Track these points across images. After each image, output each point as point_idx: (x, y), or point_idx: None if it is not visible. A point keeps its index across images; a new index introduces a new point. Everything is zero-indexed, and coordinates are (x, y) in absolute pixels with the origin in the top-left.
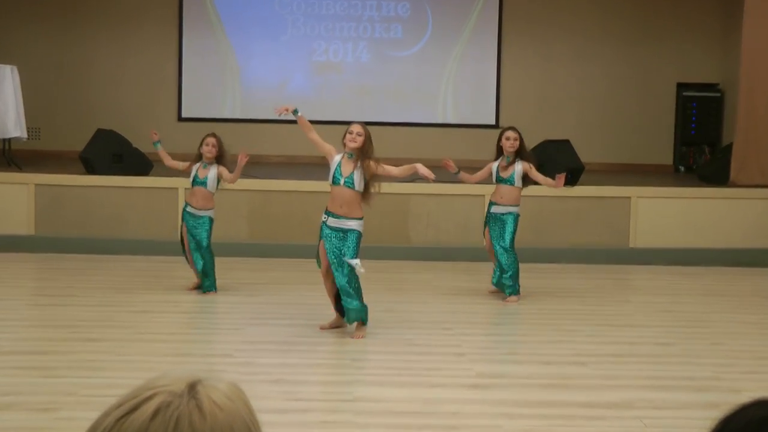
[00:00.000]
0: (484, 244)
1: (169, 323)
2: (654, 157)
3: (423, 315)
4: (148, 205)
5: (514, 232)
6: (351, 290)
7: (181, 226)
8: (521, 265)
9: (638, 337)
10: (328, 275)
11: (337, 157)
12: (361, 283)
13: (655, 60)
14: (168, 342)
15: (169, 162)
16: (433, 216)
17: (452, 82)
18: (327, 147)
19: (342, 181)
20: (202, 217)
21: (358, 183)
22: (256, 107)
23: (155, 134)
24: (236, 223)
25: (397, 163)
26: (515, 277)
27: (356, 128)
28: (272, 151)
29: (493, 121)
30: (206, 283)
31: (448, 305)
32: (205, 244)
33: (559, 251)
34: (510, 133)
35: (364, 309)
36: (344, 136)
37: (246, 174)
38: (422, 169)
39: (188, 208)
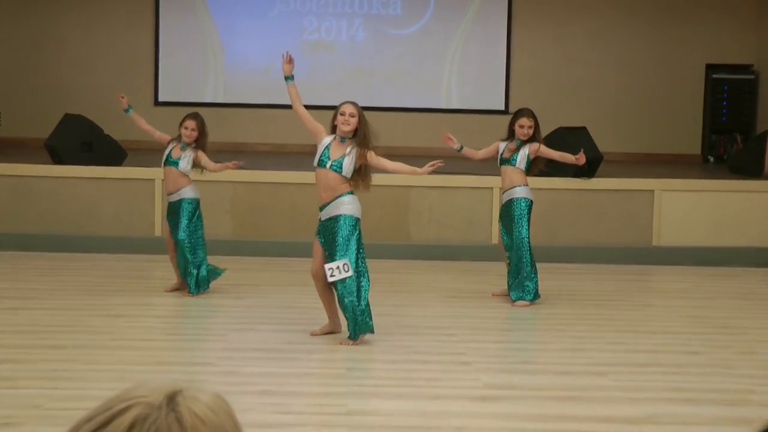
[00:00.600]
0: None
1: (146, 329)
2: (680, 147)
3: (424, 320)
4: (122, 198)
5: (527, 220)
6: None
7: (163, 224)
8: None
9: (662, 344)
10: (319, 275)
11: (327, 139)
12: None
13: (681, 39)
14: (144, 349)
15: (145, 126)
16: (436, 210)
17: (457, 63)
18: (316, 125)
19: (328, 164)
20: (177, 202)
21: (347, 168)
22: (240, 91)
23: (122, 98)
24: (219, 217)
25: (395, 153)
26: (531, 278)
27: (349, 108)
28: (258, 139)
29: (502, 106)
30: (190, 284)
31: (452, 309)
32: (183, 235)
33: (574, 250)
34: (525, 121)
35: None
36: (334, 117)
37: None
38: (426, 169)
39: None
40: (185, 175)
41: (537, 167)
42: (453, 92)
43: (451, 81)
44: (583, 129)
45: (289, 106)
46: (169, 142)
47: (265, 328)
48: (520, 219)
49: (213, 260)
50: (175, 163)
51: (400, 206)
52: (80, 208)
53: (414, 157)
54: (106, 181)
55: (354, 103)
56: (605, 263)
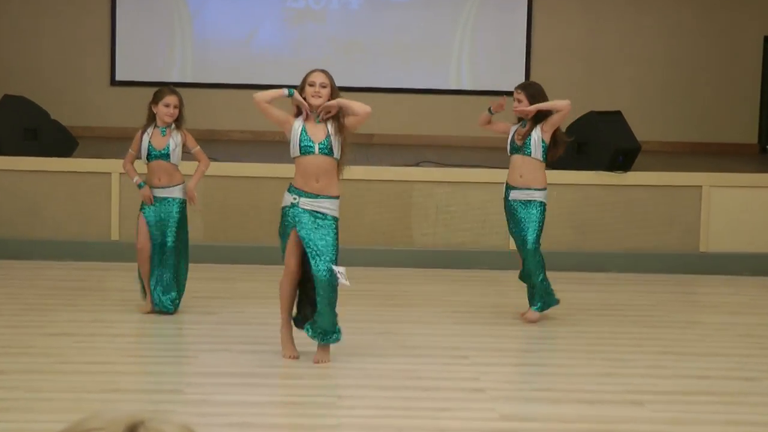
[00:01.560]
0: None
1: (102, 349)
2: (732, 135)
3: (429, 339)
4: (71, 196)
5: (540, 227)
6: (334, 294)
7: (137, 224)
8: (556, 275)
9: (711, 369)
10: (296, 275)
11: (297, 124)
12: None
13: (734, 9)
14: (98, 374)
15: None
16: (444, 210)
17: (468, 36)
18: (282, 113)
19: (316, 148)
20: (169, 199)
21: (337, 148)
22: (212, 68)
23: (134, 176)
24: (190, 219)
25: (396, 141)
26: (544, 286)
27: (319, 77)
28: (234, 125)
29: None
30: (172, 296)
31: (463, 326)
32: (171, 241)
33: (606, 256)
34: (515, 93)
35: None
36: (301, 88)
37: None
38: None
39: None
40: (176, 166)
41: (557, 151)
42: (464, 70)
43: (461, 57)
44: (618, 114)
45: (271, 86)
46: (141, 133)
47: (240, 348)
48: (532, 223)
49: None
50: (165, 156)
51: (401, 205)
52: (21, 207)
53: (418, 146)
54: (52, 175)
55: (325, 72)
56: (643, 272)
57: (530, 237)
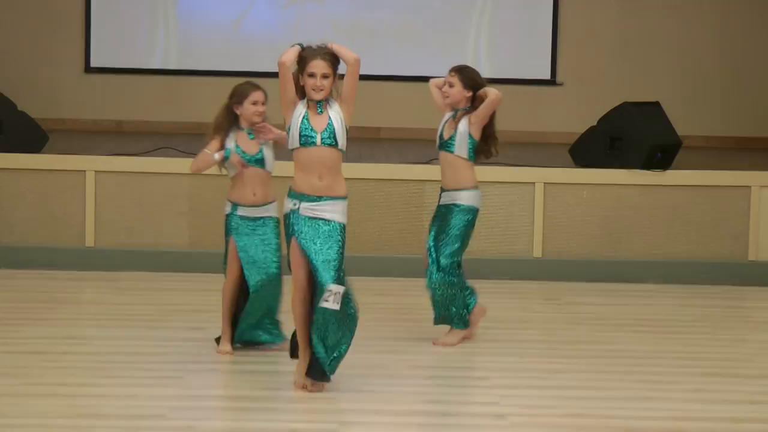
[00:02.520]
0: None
1: (75, 369)
2: None
3: (444, 358)
4: (41, 196)
5: (461, 239)
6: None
7: (227, 249)
8: (586, 286)
9: (763, 393)
10: (305, 290)
11: (300, 109)
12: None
13: None
14: (73, 397)
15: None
16: None
17: (488, 17)
18: (293, 88)
19: (318, 139)
20: (265, 219)
21: (342, 137)
22: (199, 54)
23: (214, 152)
24: (172, 222)
25: (406, 136)
26: (455, 303)
27: (320, 67)
28: None
29: (547, 74)
30: (275, 332)
31: (482, 344)
32: (276, 267)
33: (643, 265)
34: (447, 76)
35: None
36: (299, 77)
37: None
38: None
39: (239, 210)
40: (270, 175)
41: (487, 150)
42: (482, 56)
43: (479, 41)
44: (656, 105)
45: (264, 74)
46: (221, 137)
47: (230, 368)
48: (456, 235)
49: (164, 278)
50: (260, 161)
51: (411, 207)
52: None
53: (431, 141)
54: (19, 174)
55: (327, 56)
56: (685, 283)
57: (445, 250)
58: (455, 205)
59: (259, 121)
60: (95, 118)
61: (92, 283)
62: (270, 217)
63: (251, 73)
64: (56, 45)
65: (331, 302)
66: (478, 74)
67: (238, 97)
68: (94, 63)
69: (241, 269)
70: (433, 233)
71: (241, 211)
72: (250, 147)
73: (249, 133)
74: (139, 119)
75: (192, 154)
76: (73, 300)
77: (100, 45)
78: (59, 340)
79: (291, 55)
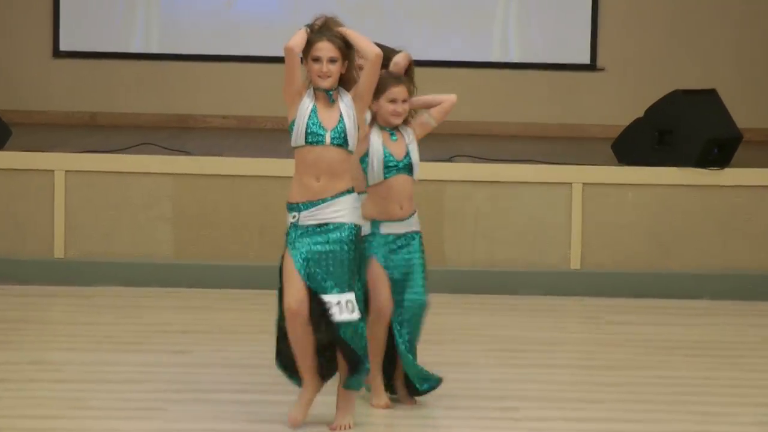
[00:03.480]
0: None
1: (43, 399)
2: None
3: (468, 386)
4: (4, 200)
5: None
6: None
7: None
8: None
9: None
10: (302, 312)
11: (307, 101)
12: None
13: None
14: (41, 431)
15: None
16: (486, 218)
17: None
18: (300, 76)
19: (327, 137)
20: (412, 235)
21: (353, 136)
22: (184, 35)
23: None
24: (154, 230)
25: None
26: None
27: (326, 50)
28: (213, 109)
29: (586, 58)
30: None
31: (511, 369)
32: (422, 292)
33: (699, 279)
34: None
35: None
36: (304, 61)
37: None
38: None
39: (383, 228)
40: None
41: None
42: (511, 38)
43: (507, 20)
44: (712, 93)
45: (259, 59)
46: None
47: (220, 398)
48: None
49: (144, 294)
50: (408, 168)
51: (430, 212)
52: None
53: (452, 136)
54: None
55: (333, 38)
56: (746, 299)
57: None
58: (415, 233)
59: (398, 123)
60: (65, 109)
61: (62, 299)
62: (416, 232)
63: (244, 58)
64: (20, 25)
65: (345, 314)
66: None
67: (376, 90)
68: (63, 46)
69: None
70: None
71: (385, 228)
72: (397, 149)
73: (392, 134)
74: (116, 111)
75: (178, 151)
76: (40, 319)
77: (71, 25)
78: (24, 366)
79: (299, 39)
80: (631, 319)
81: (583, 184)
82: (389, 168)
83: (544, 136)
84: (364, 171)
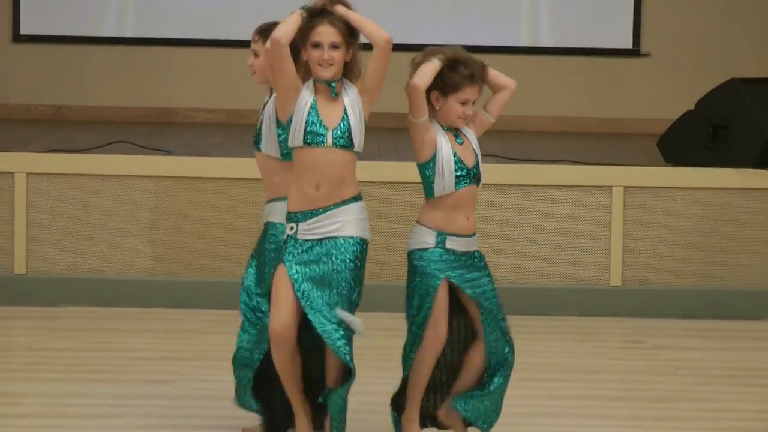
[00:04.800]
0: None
1: None
2: None
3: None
4: None
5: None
6: (348, 354)
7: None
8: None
9: None
10: (288, 335)
11: (306, 95)
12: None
13: None
14: None
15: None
16: (511, 227)
17: None
18: (293, 69)
19: (329, 138)
20: (475, 253)
21: (359, 135)
22: (164, 17)
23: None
24: (130, 241)
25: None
26: None
27: (328, 34)
28: (197, 101)
29: (629, 43)
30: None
31: (544, 401)
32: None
33: (759, 297)
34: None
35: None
36: (302, 50)
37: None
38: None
39: (449, 242)
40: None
41: None
42: (542, 20)
43: (539, 1)
44: None
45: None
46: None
47: None
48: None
49: (120, 315)
50: (476, 178)
51: None
52: None
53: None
54: None
55: (335, 21)
56: None
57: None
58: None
59: (462, 127)
60: (27, 102)
61: (24, 322)
62: (479, 252)
63: (233, 42)
64: None
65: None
66: None
67: (445, 85)
68: (24, 29)
69: None
70: None
71: (451, 243)
72: (466, 154)
73: (457, 136)
74: (85, 104)
75: (157, 150)
76: (0, 345)
77: (33, 5)
78: None
79: (289, 28)
80: (680, 344)
81: (625, 187)
82: (461, 178)
83: (579, 132)
84: (430, 180)
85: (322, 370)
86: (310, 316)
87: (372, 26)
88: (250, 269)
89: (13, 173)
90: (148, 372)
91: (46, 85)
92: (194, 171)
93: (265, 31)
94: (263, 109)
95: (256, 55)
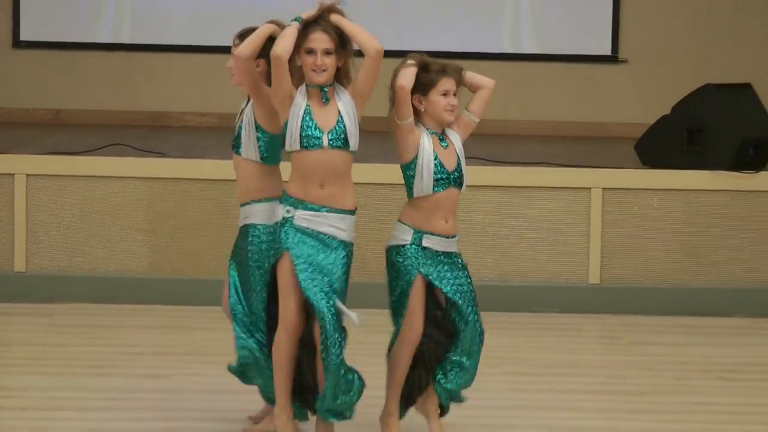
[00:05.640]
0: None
1: (1, 429)
2: None
3: (476, 413)
4: None
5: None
6: (341, 350)
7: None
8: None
9: None
10: (295, 329)
11: (300, 100)
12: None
13: None
14: None
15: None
16: (494, 228)
17: None
18: (289, 79)
19: (325, 140)
20: (454, 254)
21: (354, 136)
22: (159, 24)
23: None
24: (126, 240)
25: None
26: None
27: (321, 41)
28: (191, 105)
29: (607, 49)
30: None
31: (524, 395)
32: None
33: (733, 294)
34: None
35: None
36: (296, 56)
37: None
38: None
39: (425, 240)
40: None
41: None
42: (524, 27)
43: (521, 8)
44: (747, 88)
45: None
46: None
47: (199, 426)
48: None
49: (116, 312)
50: (458, 181)
51: None
52: None
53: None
54: None
55: (328, 28)
56: None
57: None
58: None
59: (452, 120)
60: (26, 106)
61: (23, 318)
62: (458, 255)
63: (226, 48)
64: None
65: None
66: None
67: (422, 85)
68: (24, 36)
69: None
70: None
71: (427, 241)
72: (448, 158)
73: (441, 139)
74: (82, 108)
75: (152, 152)
76: None
77: (32, 12)
78: None
79: (288, 42)
80: (657, 340)
81: (603, 189)
82: (440, 181)
83: (559, 135)
84: (411, 181)
85: (315, 378)
86: (317, 306)
87: (365, 36)
88: (232, 271)
89: (13, 174)
90: (144, 366)
91: (44, 89)
92: (188, 173)
93: (244, 35)
94: (241, 113)
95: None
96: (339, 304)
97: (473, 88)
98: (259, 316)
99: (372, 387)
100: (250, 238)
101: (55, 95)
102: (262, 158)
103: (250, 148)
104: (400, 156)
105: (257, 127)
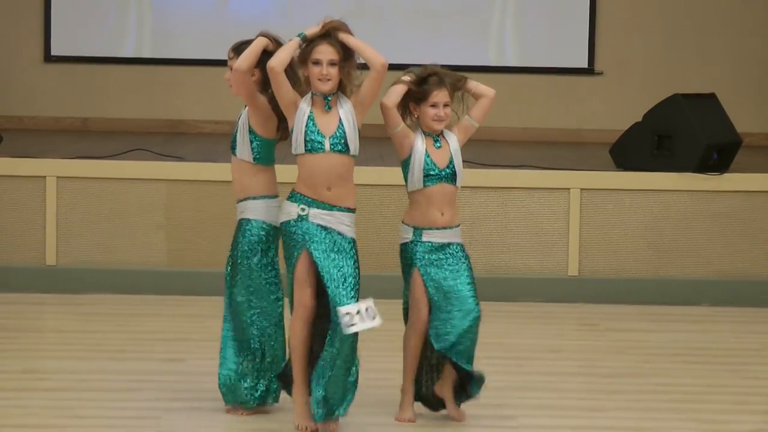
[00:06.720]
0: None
1: (34, 409)
2: None
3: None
4: None
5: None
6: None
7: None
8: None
9: None
10: (309, 313)
11: (304, 107)
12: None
13: None
14: None
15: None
16: (482, 225)
17: None
18: (291, 89)
19: (327, 144)
20: (453, 245)
21: (354, 141)
22: (177, 39)
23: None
24: (148, 236)
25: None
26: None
27: (327, 53)
28: (205, 114)
29: (584, 63)
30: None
31: (508, 377)
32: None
33: (698, 285)
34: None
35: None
36: (302, 59)
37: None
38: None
39: (424, 236)
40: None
41: None
42: (508, 41)
43: (504, 23)
44: (711, 97)
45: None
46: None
47: (215, 406)
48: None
49: (136, 302)
50: (451, 177)
51: None
52: None
53: None
54: None
55: (333, 41)
56: (746, 305)
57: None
58: (459, 243)
59: (440, 129)
60: (57, 115)
61: (54, 307)
62: (458, 244)
63: None
64: (10, 29)
65: (367, 321)
66: None
67: (417, 96)
68: (55, 51)
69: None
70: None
71: (426, 236)
72: (440, 157)
73: (436, 140)
74: (107, 116)
75: (170, 156)
76: (32, 328)
77: (62, 30)
78: (15, 375)
79: (284, 56)
80: (630, 326)
81: (581, 189)
82: (430, 177)
83: (541, 140)
84: (405, 177)
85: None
86: (329, 286)
87: (371, 51)
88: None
89: (45, 177)
90: (164, 351)
91: (73, 99)
92: (203, 175)
93: (239, 48)
94: (239, 119)
95: (232, 69)
96: (358, 328)
97: (476, 96)
98: (263, 308)
99: (385, 370)
100: (242, 232)
101: (82, 105)
102: (254, 159)
103: (244, 149)
104: (399, 155)
105: (251, 131)
